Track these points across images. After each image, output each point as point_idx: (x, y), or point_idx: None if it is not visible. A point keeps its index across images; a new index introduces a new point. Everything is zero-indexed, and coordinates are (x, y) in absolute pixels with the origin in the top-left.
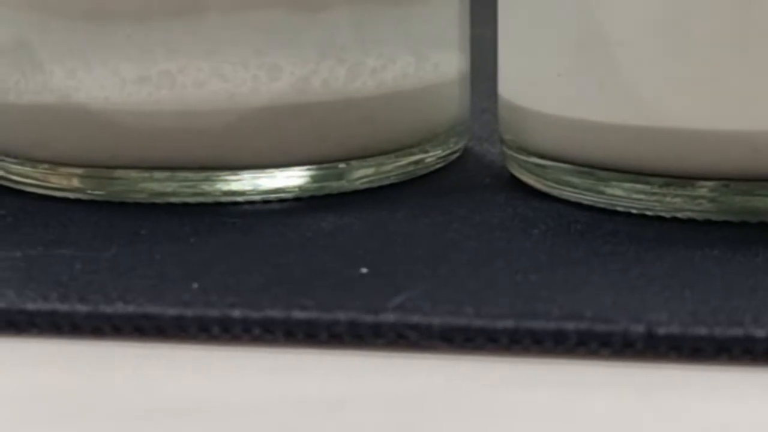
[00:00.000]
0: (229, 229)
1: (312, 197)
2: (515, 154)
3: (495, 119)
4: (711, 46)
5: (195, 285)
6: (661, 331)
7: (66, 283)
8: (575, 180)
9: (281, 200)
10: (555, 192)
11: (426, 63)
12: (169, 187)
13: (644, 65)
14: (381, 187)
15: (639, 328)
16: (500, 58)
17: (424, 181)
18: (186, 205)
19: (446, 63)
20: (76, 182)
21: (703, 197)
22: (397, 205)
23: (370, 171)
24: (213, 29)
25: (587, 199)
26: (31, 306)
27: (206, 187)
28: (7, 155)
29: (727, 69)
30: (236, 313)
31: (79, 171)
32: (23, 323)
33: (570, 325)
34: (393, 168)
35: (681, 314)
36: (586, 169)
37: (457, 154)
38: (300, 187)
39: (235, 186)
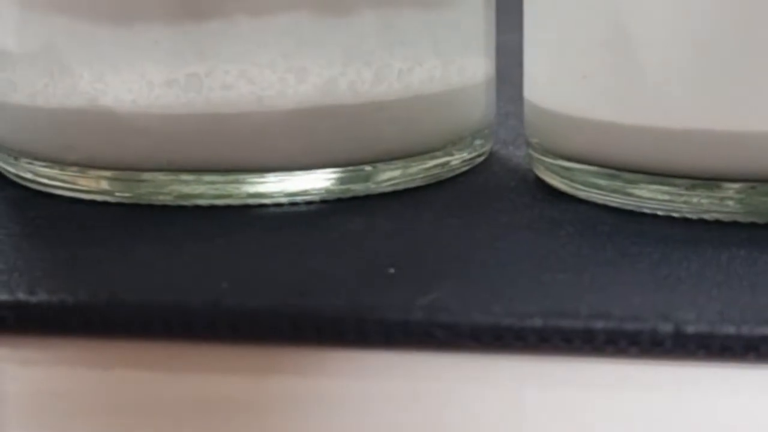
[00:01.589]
0: (257, 230)
1: (338, 200)
2: (541, 157)
3: (520, 123)
4: (737, 48)
5: (224, 284)
6: (690, 329)
7: (95, 282)
8: (602, 182)
9: (308, 203)
10: (581, 194)
11: (452, 66)
12: (197, 189)
13: (670, 67)
14: (407, 190)
15: (667, 327)
16: (526, 60)
17: (450, 184)
18: (213, 208)
19: (472, 66)
20: (104, 185)
21: (729, 198)
22: (424, 207)
23: (396, 173)
24: (240, 32)
25: (614, 201)
26: (61, 304)
27: (233, 189)
28: (36, 158)
29: (753, 71)
30: (265, 312)
31: (107, 173)
32: (54, 321)
33: (598, 324)
34: (419, 170)
35: (709, 313)
36: (612, 171)
37: (482, 158)
38: (326, 190)
39: (262, 188)
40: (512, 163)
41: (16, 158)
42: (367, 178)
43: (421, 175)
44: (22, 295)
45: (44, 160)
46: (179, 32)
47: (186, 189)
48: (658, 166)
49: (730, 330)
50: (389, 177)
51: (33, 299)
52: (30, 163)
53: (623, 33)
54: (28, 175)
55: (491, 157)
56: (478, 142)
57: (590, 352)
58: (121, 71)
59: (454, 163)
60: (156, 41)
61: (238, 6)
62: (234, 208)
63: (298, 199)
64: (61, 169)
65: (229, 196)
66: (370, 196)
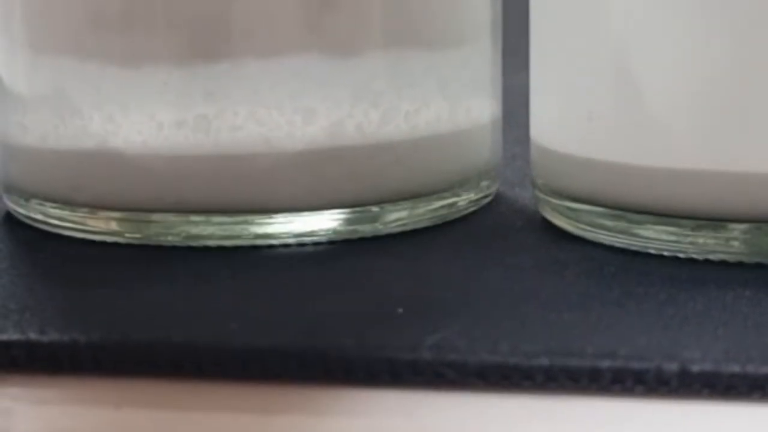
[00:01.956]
0: (265, 270)
1: (346, 240)
2: (547, 198)
3: (527, 164)
4: (742, 89)
5: (233, 324)
6: (695, 368)
7: (106, 322)
8: (608, 223)
9: (315, 243)
10: (588, 235)
11: (459, 107)
12: (206, 230)
13: (675, 108)
14: (414, 231)
15: (673, 366)
16: (532, 102)
17: (457, 224)
18: (222, 248)
19: (479, 108)
20: (113, 225)
21: (735, 239)
22: (432, 247)
23: (403, 214)
24: (248, 74)
25: (620, 241)
26: (72, 344)
27: (241, 230)
28: (46, 199)
29: (758, 112)
30: (274, 351)
31: (116, 215)
32: (65, 361)
33: (605, 363)
34: (426, 211)
35: (714, 352)
36: (618, 212)
37: (489, 198)
38: (334, 230)
39: (269, 229)
40: (519, 204)
41: (26, 200)
42: (374, 219)
43: (428, 216)
44: (33, 335)
45: (54, 202)
46: (188, 73)
47: (195, 230)
48: (663, 207)
49: (736, 369)
50: (396, 218)
51: (44, 339)
52: (40, 205)
53: (629, 74)
54: (39, 216)
55: (498, 198)
56: (484, 183)
57: (596, 391)
58: (130, 112)
59: (460, 203)
60: (165, 82)
61: (247, 48)
62: (242, 248)
63: (306, 240)
64: (71, 211)
65: (238, 237)
66: (378, 237)
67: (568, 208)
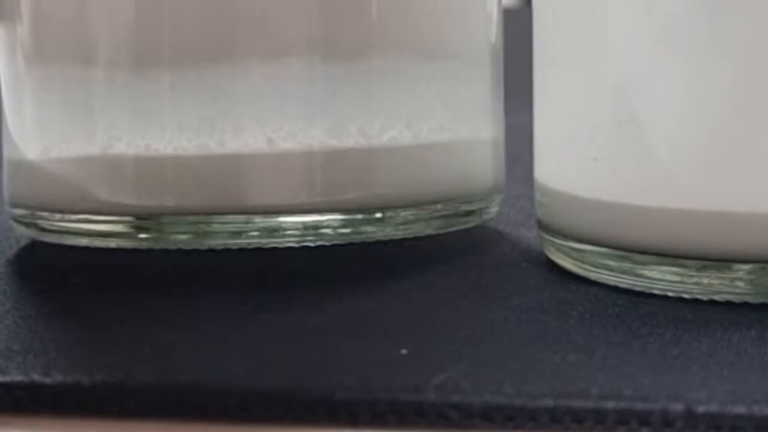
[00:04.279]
0: (268, 309)
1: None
2: (552, 238)
3: (531, 204)
4: (746, 129)
5: (237, 365)
6: (701, 409)
7: (110, 363)
8: (612, 263)
9: (318, 245)
10: (592, 275)
11: (459, 118)
12: (211, 231)
13: (680, 148)
14: (419, 272)
15: (678, 407)
16: (536, 142)
17: (462, 263)
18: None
19: (479, 121)
20: (120, 229)
21: (740, 279)
22: (436, 288)
23: (405, 217)
24: (252, 77)
25: (624, 282)
26: (76, 385)
27: (246, 228)
28: (52, 210)
29: (762, 152)
30: (278, 393)
31: (123, 219)
32: (69, 403)
33: (609, 404)
34: (428, 217)
35: (720, 393)
36: (622, 253)
37: (490, 215)
38: (336, 232)
39: (273, 230)
40: (523, 245)
41: (31, 211)
42: (376, 222)
43: (431, 225)
44: (36, 376)
45: (60, 210)
46: (191, 76)
47: (200, 231)
48: (668, 247)
49: (741, 410)
50: (399, 222)
51: (48, 380)
52: (46, 213)
53: (633, 115)
54: (44, 224)
55: (502, 238)
56: (485, 197)
57: None
58: (134, 116)
59: (462, 212)
60: (169, 86)
61: (250, 52)
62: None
63: (309, 240)
64: (77, 216)
65: (242, 235)
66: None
67: (573, 248)
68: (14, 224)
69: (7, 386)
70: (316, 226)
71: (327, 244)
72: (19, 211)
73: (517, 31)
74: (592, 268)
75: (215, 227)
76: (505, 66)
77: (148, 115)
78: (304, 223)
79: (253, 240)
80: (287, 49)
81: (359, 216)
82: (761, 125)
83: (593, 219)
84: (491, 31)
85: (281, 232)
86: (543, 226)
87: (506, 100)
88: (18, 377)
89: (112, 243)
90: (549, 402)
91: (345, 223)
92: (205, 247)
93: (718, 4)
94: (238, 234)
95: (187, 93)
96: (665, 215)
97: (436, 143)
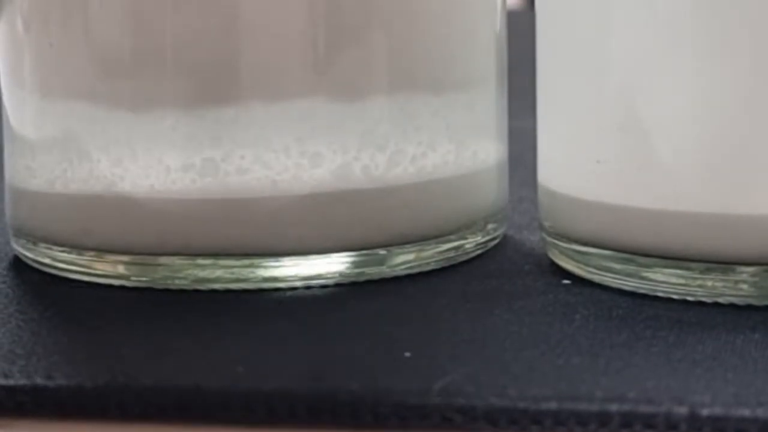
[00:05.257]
0: (272, 314)
1: (353, 283)
2: (555, 241)
3: (534, 207)
4: (749, 132)
5: (240, 368)
6: (705, 412)
7: (112, 367)
8: (616, 266)
9: (323, 286)
10: (596, 278)
11: (465, 151)
12: (213, 273)
13: (684, 151)
14: (422, 274)
15: (682, 410)
16: (539, 145)
17: (465, 268)
18: (229, 291)
19: (485, 151)
20: (121, 269)
21: (744, 282)
22: (440, 291)
23: (410, 257)
24: (255, 117)
25: (628, 284)
26: (79, 389)
27: (249, 273)
28: (54, 243)
29: (766, 155)
30: (281, 396)
31: (124, 258)
32: (72, 406)
33: (613, 407)
34: (433, 254)
35: (724, 396)
36: (626, 255)
37: (496, 241)
38: (341, 273)
39: (277, 272)
40: (526, 248)
41: (34, 243)
42: (381, 261)
43: (435, 259)
44: (39, 380)
45: (62, 245)
46: (195, 117)
47: (202, 273)
48: (672, 250)
49: (745, 413)
50: (403, 260)
51: (51, 384)
52: (48, 248)
53: (636, 117)
54: (46, 260)
55: (506, 241)
56: (491, 225)
57: None
58: (138, 156)
59: (467, 246)
60: (172, 127)
61: (254, 92)
62: (250, 291)
63: (313, 283)
64: (79, 254)
65: (245, 280)
66: (385, 279)
67: (576, 251)
68: (17, 249)
69: (11, 390)
70: (320, 268)
71: (331, 284)
72: (20, 241)
73: (520, 34)
74: (596, 271)
75: (218, 269)
76: (508, 69)
77: (151, 156)
78: (308, 264)
79: (256, 284)
80: (290, 89)
81: (364, 255)
82: (765, 128)
83: (597, 222)
84: (496, 57)
85: (285, 275)
86: (546, 229)
87: (510, 104)
88: (21, 381)
89: (112, 281)
90: (553, 405)
91: (350, 264)
92: (207, 289)
93: (723, 10)
94: (241, 276)
95: (191, 134)
96: (669, 218)
97: (441, 179)
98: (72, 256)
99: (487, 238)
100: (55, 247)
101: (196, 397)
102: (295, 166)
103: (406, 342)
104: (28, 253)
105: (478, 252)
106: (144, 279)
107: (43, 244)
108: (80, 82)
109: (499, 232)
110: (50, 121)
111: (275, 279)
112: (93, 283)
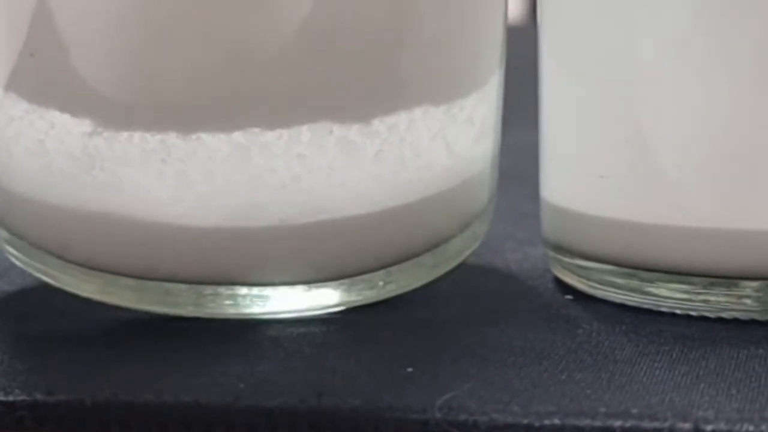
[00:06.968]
0: (273, 331)
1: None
2: (558, 256)
3: (537, 222)
4: (753, 147)
5: (241, 385)
6: (708, 428)
7: (113, 383)
8: (619, 281)
9: (321, 308)
10: (599, 293)
11: (462, 162)
12: (209, 302)
13: (687, 166)
14: (425, 287)
15: (686, 426)
16: (542, 160)
17: (468, 282)
18: (226, 320)
19: (482, 159)
20: (127, 294)
21: (747, 297)
22: (442, 307)
23: (405, 276)
24: (246, 145)
25: (631, 299)
26: (79, 404)
27: (245, 305)
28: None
29: None
30: (283, 412)
31: (129, 282)
32: (72, 422)
33: (617, 423)
34: (429, 267)
35: (727, 411)
36: (629, 270)
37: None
38: (337, 301)
39: (273, 299)
40: (530, 263)
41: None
42: (376, 285)
43: (433, 273)
44: (39, 396)
45: (55, 256)
46: (192, 141)
47: (197, 301)
48: (675, 265)
49: (749, 429)
50: (399, 282)
51: (51, 399)
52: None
53: (640, 132)
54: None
55: (508, 256)
56: (479, 224)
57: None
58: (125, 183)
59: (456, 249)
60: (162, 159)
61: (250, 119)
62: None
63: (314, 309)
64: (62, 270)
65: (242, 307)
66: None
67: (579, 266)
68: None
69: (10, 405)
70: (316, 298)
71: (331, 310)
72: (12, 249)
73: (522, 48)
74: (599, 286)
75: (212, 297)
76: (510, 83)
77: (141, 185)
78: (303, 295)
79: (253, 312)
80: (280, 116)
81: (360, 281)
82: (766, 144)
83: (600, 237)
84: (501, 62)
85: (282, 302)
86: (549, 244)
87: (512, 118)
88: (21, 396)
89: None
90: (556, 421)
91: (346, 290)
92: (205, 316)
93: (726, 24)
94: (237, 306)
95: (182, 161)
96: (672, 233)
97: (437, 194)
98: (56, 272)
99: (475, 236)
100: (49, 253)
101: (197, 413)
102: (289, 192)
103: (408, 357)
104: (21, 256)
105: (468, 251)
106: (147, 304)
107: (37, 253)
108: (81, 109)
109: (484, 227)
110: (52, 144)
111: (267, 312)
112: (92, 299)
